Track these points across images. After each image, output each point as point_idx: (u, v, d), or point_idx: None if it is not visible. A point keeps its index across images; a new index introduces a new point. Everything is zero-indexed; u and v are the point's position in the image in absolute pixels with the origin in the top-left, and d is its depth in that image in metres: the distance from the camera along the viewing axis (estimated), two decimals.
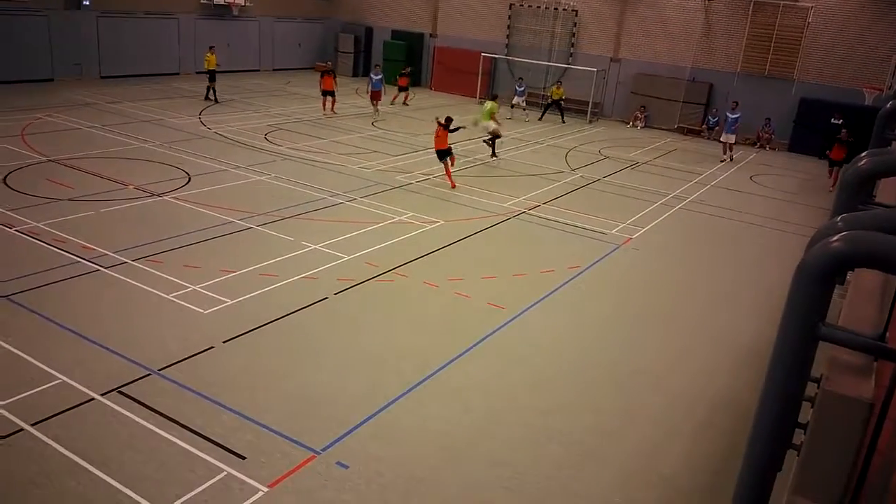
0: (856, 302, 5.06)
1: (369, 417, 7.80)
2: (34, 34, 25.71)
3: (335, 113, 25.13)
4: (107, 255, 11.39)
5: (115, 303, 9.91)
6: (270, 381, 8.34)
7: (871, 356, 3.92)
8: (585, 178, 20.00)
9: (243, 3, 32.21)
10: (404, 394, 8.34)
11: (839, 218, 3.91)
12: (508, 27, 32.76)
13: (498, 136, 20.69)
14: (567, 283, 12.30)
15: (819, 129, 25.69)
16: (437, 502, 6.65)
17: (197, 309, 9.89)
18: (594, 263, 13.38)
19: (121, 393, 7.74)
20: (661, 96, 29.68)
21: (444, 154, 17.49)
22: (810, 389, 3.97)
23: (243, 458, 6.89)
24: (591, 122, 30.04)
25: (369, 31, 36.54)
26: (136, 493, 6.31)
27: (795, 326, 3.48)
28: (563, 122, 28.85)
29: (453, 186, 17.40)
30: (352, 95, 29.93)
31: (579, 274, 12.77)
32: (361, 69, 35.80)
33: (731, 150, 24.41)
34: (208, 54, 25.85)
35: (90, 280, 10.54)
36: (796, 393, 3.68)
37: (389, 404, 8.10)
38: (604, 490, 7.09)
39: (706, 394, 9.16)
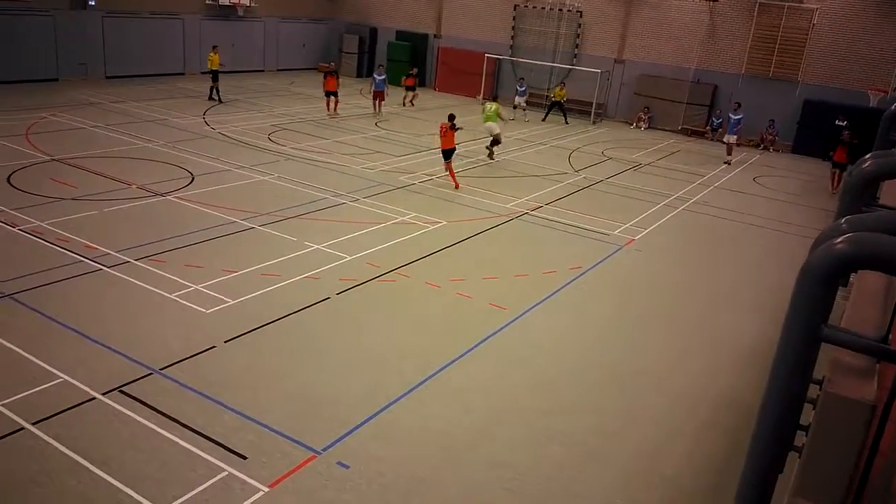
0: (859, 304, 5.05)
1: (370, 417, 7.79)
2: (39, 34, 25.78)
3: (338, 114, 25.13)
4: (109, 254, 11.41)
5: (117, 302, 9.92)
6: (272, 381, 8.34)
7: (873, 358, 3.91)
8: (588, 180, 19.98)
9: (248, 4, 32.26)
10: (405, 394, 8.33)
11: (843, 220, 3.90)
12: (513, 28, 32.75)
13: (498, 142, 20.46)
14: (569, 283, 12.28)
15: (823, 130, 25.61)
16: (437, 503, 6.64)
17: (199, 308, 9.89)
18: (596, 264, 13.36)
19: (122, 392, 7.75)
20: (664, 98, 29.64)
21: (450, 153, 17.48)
22: (812, 391, 3.96)
23: (244, 457, 6.89)
24: (594, 123, 30.01)
25: (373, 32, 36.56)
26: (136, 492, 6.31)
27: (799, 328, 3.47)
28: (567, 122, 28.83)
29: (457, 187, 17.39)
30: (356, 96, 29.95)
31: (581, 275, 12.75)
32: (366, 70, 35.81)
33: (731, 151, 24.31)
34: (211, 54, 25.89)
35: (93, 279, 10.56)
36: (798, 394, 3.66)
37: (390, 404, 8.09)
38: (605, 491, 7.07)
39: (708, 394, 9.13)
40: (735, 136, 24.08)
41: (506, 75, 33.12)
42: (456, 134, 17.55)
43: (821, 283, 3.42)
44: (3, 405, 7.33)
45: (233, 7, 31.85)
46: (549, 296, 11.67)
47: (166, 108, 23.72)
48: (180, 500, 6.25)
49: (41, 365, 8.12)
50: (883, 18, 25.52)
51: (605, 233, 15.25)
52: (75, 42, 26.98)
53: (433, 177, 18.08)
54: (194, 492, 6.37)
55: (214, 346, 8.93)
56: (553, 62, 31.50)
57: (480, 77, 32.53)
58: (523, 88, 29.32)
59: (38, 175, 15.26)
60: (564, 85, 29.60)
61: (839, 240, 3.38)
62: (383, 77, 25.93)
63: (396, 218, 14.71)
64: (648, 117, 29.88)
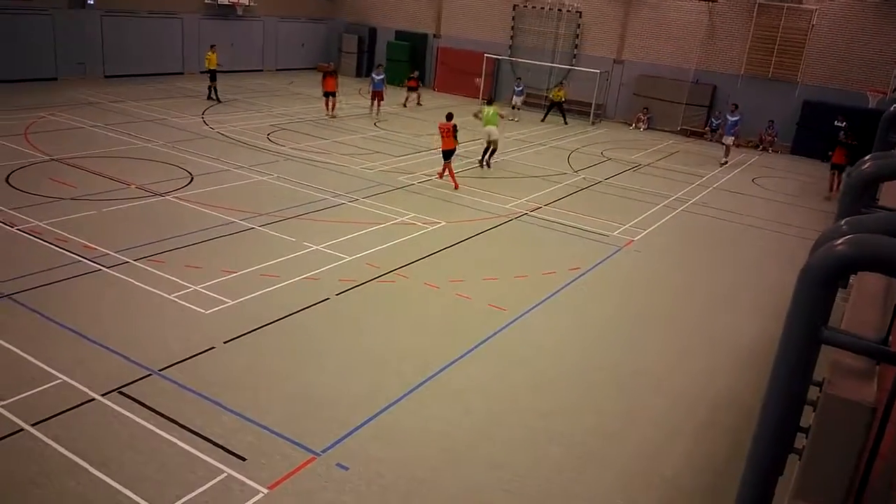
0: (859, 305, 5.04)
1: (370, 419, 7.78)
2: (38, 33, 25.76)
3: (335, 115, 25.05)
4: (108, 254, 11.40)
5: (116, 303, 9.91)
6: (271, 382, 8.33)
7: (873, 360, 3.91)
8: (588, 180, 19.98)
9: (247, 3, 32.24)
10: (405, 395, 8.33)
11: (843, 221, 3.90)
12: (512, 28, 32.75)
13: (495, 149, 19.70)
14: (568, 284, 12.28)
15: (822, 131, 25.61)
16: None
17: (198, 309, 9.88)
18: (596, 265, 13.36)
19: (121, 393, 7.74)
20: (664, 98, 29.64)
21: (450, 154, 17.48)
22: (812, 393, 3.96)
23: (244, 459, 6.88)
24: (593, 123, 30.01)
25: (373, 32, 36.56)
26: (136, 493, 6.30)
27: (799, 329, 3.47)
28: (566, 123, 28.83)
29: (456, 187, 17.39)
30: (355, 96, 29.94)
31: (581, 276, 12.75)
32: (365, 69, 35.80)
33: (728, 153, 24.30)
34: (209, 53, 25.88)
35: (91, 280, 10.55)
36: (799, 396, 3.66)
37: (390, 405, 8.08)
38: (605, 492, 7.07)
39: (707, 394, 9.13)
40: (732, 138, 24.07)
41: (505, 75, 33.12)
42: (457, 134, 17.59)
43: (821, 284, 3.42)
44: (2, 406, 7.32)
45: (232, 6, 31.83)
46: (549, 297, 11.67)
47: (165, 108, 23.70)
48: (180, 502, 6.25)
49: (40, 365, 8.11)
50: (882, 20, 25.54)
51: (604, 234, 15.25)
52: (74, 41, 26.96)
53: (432, 177, 18.07)
54: (194, 493, 6.36)
55: (214, 347, 8.93)
56: (552, 62, 31.50)
57: (480, 77, 32.53)
58: (520, 88, 29.35)
59: (37, 175, 15.24)
60: (563, 85, 29.62)
61: (839, 241, 3.38)
62: (382, 77, 25.87)
63: (396, 218, 14.70)
64: (647, 118, 29.89)
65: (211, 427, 7.30)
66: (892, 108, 8.80)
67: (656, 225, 16.32)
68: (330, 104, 25.03)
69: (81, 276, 10.61)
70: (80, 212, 13.25)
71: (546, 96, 30.78)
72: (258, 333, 9.42)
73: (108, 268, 10.93)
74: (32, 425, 7.06)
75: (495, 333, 10.15)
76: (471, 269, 12.54)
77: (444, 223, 14.76)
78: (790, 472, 3.88)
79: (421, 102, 29.21)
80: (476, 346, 9.70)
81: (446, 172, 17.64)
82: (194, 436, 7.13)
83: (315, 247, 12.64)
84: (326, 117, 24.82)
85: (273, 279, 11.08)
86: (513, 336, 10.20)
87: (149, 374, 8.17)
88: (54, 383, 7.80)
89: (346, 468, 6.92)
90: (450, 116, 17.66)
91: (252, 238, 12.86)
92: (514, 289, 11.85)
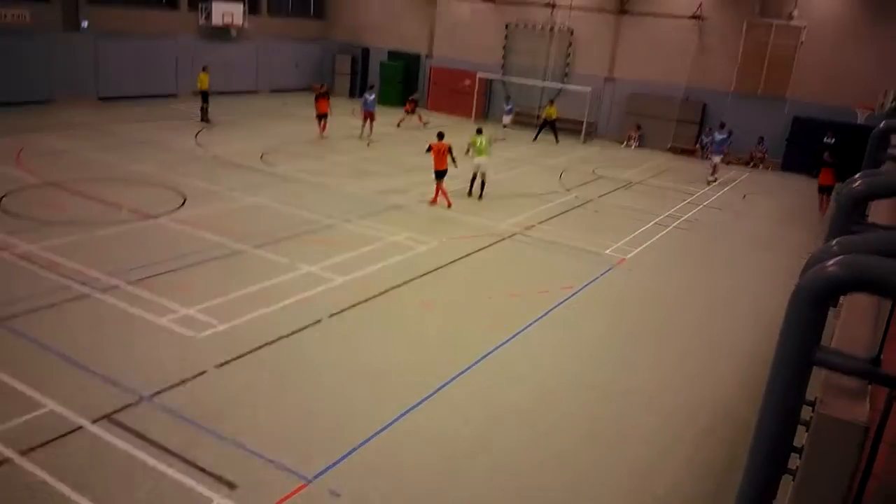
0: (849, 322, 5.03)
1: (363, 442, 7.71)
2: (32, 55, 25.77)
3: (326, 136, 25.05)
4: (99, 278, 11.33)
5: (106, 327, 9.83)
6: (263, 407, 8.26)
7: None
8: (580, 198, 20.04)
9: (241, 25, 32.40)
10: (399, 417, 8.26)
11: (834, 241, 3.90)
12: (504, 47, 32.98)
13: (484, 182, 18.81)
14: (562, 303, 12.26)
15: (812, 148, 25.76)
16: None
17: (190, 333, 9.81)
18: (589, 283, 13.36)
19: (111, 420, 7.65)
20: (655, 115, 29.83)
21: (443, 174, 17.49)
22: (805, 413, 3.94)
23: (234, 486, 6.80)
24: (585, 141, 30.16)
25: (366, 52, 36.77)
26: None
27: (791, 351, 3.46)
28: (558, 142, 28.95)
29: (449, 205, 17.41)
30: (348, 116, 30.03)
31: (574, 294, 12.73)
32: (358, 90, 35.97)
33: (716, 170, 24.19)
34: (201, 74, 25.95)
35: (81, 304, 10.47)
36: (792, 417, 3.64)
37: (384, 428, 8.01)
38: None
39: (700, 414, 9.09)
40: (720, 156, 23.99)
41: (497, 96, 33.29)
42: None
43: (812, 305, 3.41)
44: None
45: (225, 28, 31.99)
46: (542, 315, 11.64)
47: (159, 130, 23.72)
48: None
49: (27, 393, 8.01)
50: (869, 37, 25.82)
51: (597, 252, 15.26)
52: (68, 64, 26.98)
53: (425, 197, 18.07)
54: None
55: (205, 372, 8.85)
56: (544, 81, 31.71)
57: (473, 96, 32.72)
58: (510, 107, 29.52)
59: (29, 199, 15.19)
60: (553, 102, 29.76)
61: (830, 262, 3.38)
62: (374, 97, 25.97)
63: (389, 238, 14.69)
64: (639, 135, 30.06)
65: (202, 454, 7.22)
66: (880, 126, 8.88)
67: (648, 242, 16.35)
68: (322, 125, 25.07)
69: (72, 300, 10.53)
70: (72, 235, 13.19)
71: (538, 115, 30.95)
72: (250, 357, 9.35)
73: (99, 292, 10.86)
74: (21, 454, 6.96)
75: (489, 353, 10.10)
76: (464, 288, 12.52)
77: (437, 243, 14.75)
78: (784, 493, 3.85)
79: (424, 122, 29.12)
80: (470, 367, 9.64)
81: (439, 196, 17.64)
82: (185, 463, 7.04)
83: (308, 268, 12.61)
84: (319, 138, 24.85)
85: (266, 301, 11.03)
86: (507, 356, 10.15)
87: (139, 400, 8.09)
88: (42, 411, 7.71)
89: (338, 495, 6.84)
90: (441, 136, 17.71)
91: (244, 260, 12.81)
92: (507, 308, 11.82)
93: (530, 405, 8.90)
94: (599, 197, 20.43)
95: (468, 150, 19.00)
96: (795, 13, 26.75)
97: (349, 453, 7.48)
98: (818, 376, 3.91)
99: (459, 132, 23.91)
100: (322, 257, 13.16)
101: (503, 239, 15.56)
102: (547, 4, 31.47)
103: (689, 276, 14.51)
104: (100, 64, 28.00)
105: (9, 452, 6.97)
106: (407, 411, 8.40)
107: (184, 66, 30.59)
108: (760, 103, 27.99)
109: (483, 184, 18.74)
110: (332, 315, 10.83)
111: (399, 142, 25.86)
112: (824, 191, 20.55)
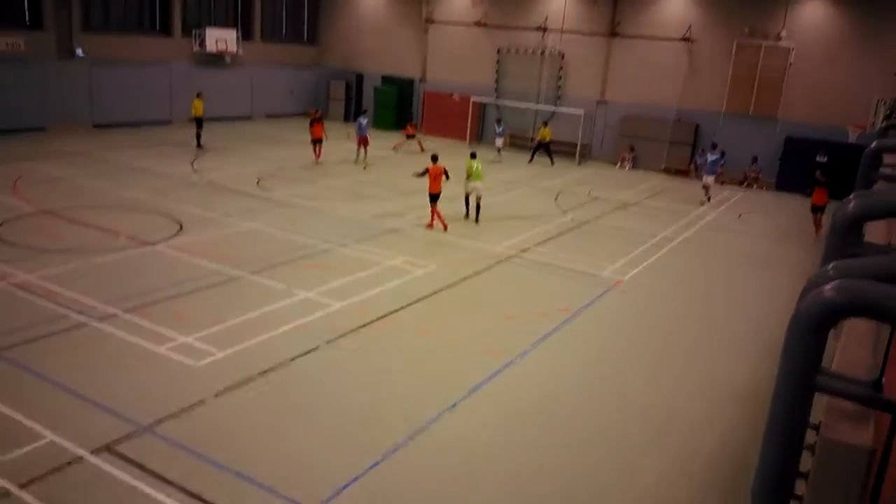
0: (849, 345, 5.06)
1: (363, 473, 7.65)
2: (27, 83, 25.89)
3: (321, 161, 25.12)
4: (97, 307, 11.29)
5: (103, 356, 9.78)
6: (262, 436, 8.21)
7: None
8: (575, 220, 20.11)
9: (235, 52, 32.63)
10: (399, 446, 8.21)
11: (830, 266, 3.94)
12: (497, 71, 33.27)
13: (479, 206, 18.74)
14: (559, 326, 12.26)
15: (805, 167, 25.95)
16: None
17: (188, 361, 9.77)
18: (586, 305, 13.37)
19: (110, 451, 7.59)
20: (647, 137, 30.05)
21: (437, 197, 17.56)
22: (810, 437, 3.94)
23: None
24: (579, 163, 30.34)
25: (360, 78, 37.04)
26: None
27: (792, 377, 3.48)
28: (553, 164, 29.11)
29: (445, 228, 17.47)
30: (343, 140, 30.14)
31: (571, 317, 12.74)
32: (353, 114, 36.17)
33: (709, 191, 24.12)
34: (195, 101, 26.07)
35: (79, 333, 10.43)
36: (796, 443, 3.65)
37: (383, 459, 7.95)
38: None
39: (705, 441, 9.06)
40: (713, 177, 23.96)
41: (491, 119, 33.49)
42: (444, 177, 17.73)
43: (811, 331, 3.44)
44: None
45: (219, 55, 32.20)
46: (540, 340, 11.63)
47: (154, 157, 23.77)
48: None
49: (26, 424, 7.95)
50: (858, 56, 26.16)
51: (594, 273, 15.29)
52: (63, 91, 27.11)
53: (421, 220, 18.11)
54: None
55: (203, 401, 8.80)
56: (537, 104, 31.95)
57: (466, 120, 32.94)
58: (501, 129, 29.73)
59: (25, 227, 15.18)
60: (547, 124, 29.93)
61: (827, 287, 3.41)
62: (366, 122, 26.14)
63: (386, 262, 14.70)
64: (632, 157, 30.26)
65: (201, 483, 7.16)
66: (872, 145, 8.98)
67: (645, 264, 16.40)
68: (317, 151, 25.17)
69: (70, 329, 10.49)
70: (68, 264, 13.17)
71: (532, 137, 31.15)
72: (249, 385, 9.31)
73: (96, 320, 10.83)
74: (20, 487, 6.89)
75: (488, 379, 10.06)
76: (462, 311, 12.52)
77: (434, 266, 14.76)
78: None
79: (423, 147, 29.21)
80: (470, 393, 9.60)
81: (435, 220, 17.69)
82: (184, 493, 6.98)
83: (305, 294, 12.60)
84: (315, 163, 24.93)
85: (263, 328, 11.00)
86: (504, 381, 10.12)
87: (138, 430, 8.03)
88: (42, 442, 7.65)
89: None
90: (435, 158, 17.83)
91: (242, 287, 12.80)
92: (505, 331, 11.82)
93: (531, 432, 8.87)
94: (595, 218, 20.51)
95: (469, 177, 18.70)
96: (783, 34, 27.12)
97: (351, 483, 7.43)
98: (822, 399, 3.92)
99: (453, 155, 24.01)
100: (319, 282, 13.15)
101: (500, 262, 15.59)
102: (538, 28, 31.82)
103: (688, 297, 14.54)
104: (94, 91, 28.14)
105: (8, 485, 6.90)
106: (408, 439, 8.35)
107: (178, 93, 30.73)
108: (752, 123, 28.25)
109: (479, 207, 18.78)
110: (329, 341, 10.81)
111: (394, 166, 25.96)
112: (817, 210, 20.38)
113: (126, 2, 30.07)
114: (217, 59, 32.40)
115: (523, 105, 32.01)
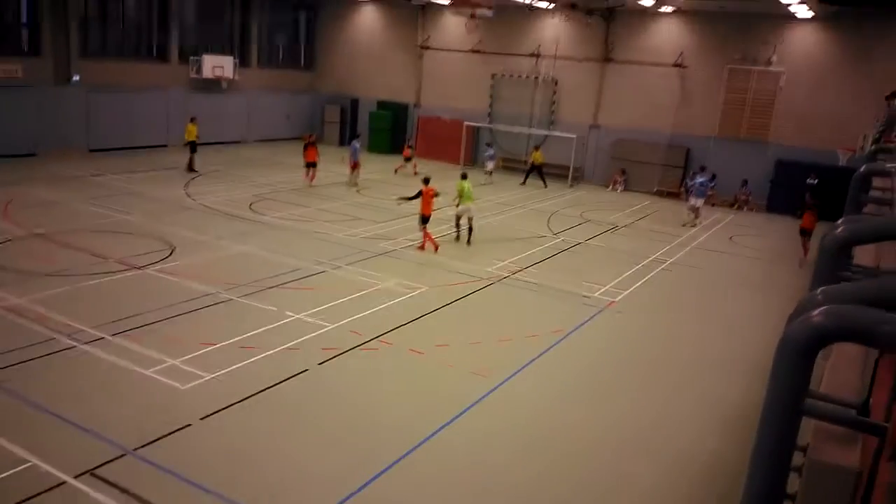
0: (838, 366, 5.04)
1: (352, 494, 7.56)
2: (22, 108, 25.91)
3: (314, 184, 25.17)
4: (85, 330, 11.20)
5: (91, 380, 9.69)
6: (250, 459, 8.11)
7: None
8: (568, 242, 20.14)
9: (232, 77, 32.81)
10: (388, 468, 8.13)
11: (819, 291, 3.93)
12: (490, 96, 33.53)
13: (471, 227, 18.87)
14: (552, 347, 12.21)
15: (796, 190, 26.10)
16: None
17: (175, 384, 9.68)
18: (579, 326, 13.34)
19: (94, 475, 7.48)
20: (639, 160, 30.25)
21: (428, 219, 17.60)
22: (797, 458, 3.91)
23: None
24: (571, 186, 30.48)
25: (355, 102, 37.27)
26: None
27: (780, 401, 3.47)
28: (546, 186, 29.24)
29: (436, 249, 17.48)
30: (337, 164, 30.23)
31: (564, 338, 12.70)
32: (347, 138, 36.33)
33: (697, 214, 24.02)
34: (190, 125, 26.15)
35: (68, 357, 10.33)
36: (783, 465, 3.62)
37: (372, 480, 7.87)
38: None
39: (695, 461, 9.00)
40: (702, 199, 23.86)
41: (483, 143, 33.70)
42: (436, 199, 17.81)
43: (800, 355, 3.43)
44: None
45: (216, 80, 32.37)
46: (533, 360, 11.58)
47: (148, 181, 23.78)
48: None
49: (9, 448, 7.83)
50: (847, 80, 26.47)
51: (586, 295, 15.28)
52: (59, 116, 27.14)
53: (414, 242, 18.10)
54: None
55: (190, 424, 8.70)
56: (530, 128, 32.17)
57: (460, 144, 33.12)
58: (491, 153, 29.91)
59: (16, 251, 15.12)
60: (539, 148, 30.07)
61: (815, 313, 3.40)
62: (359, 146, 26.32)
63: (378, 284, 14.66)
64: (624, 180, 30.43)
65: None
66: (861, 169, 9.04)
67: (637, 285, 16.40)
68: (310, 174, 25.20)
69: (57, 353, 10.39)
70: (59, 287, 13.09)
71: (525, 160, 31.32)
72: (237, 408, 9.22)
73: (84, 344, 10.74)
74: None
75: (480, 400, 10.00)
76: (454, 333, 12.47)
77: (426, 288, 14.73)
78: None
79: (416, 172, 29.26)
80: (460, 415, 9.53)
81: (427, 242, 17.72)
82: None
83: (296, 316, 12.54)
84: (308, 186, 24.95)
85: (253, 351, 10.93)
86: (496, 402, 10.05)
87: (123, 455, 7.93)
88: (25, 466, 7.54)
89: None
90: (427, 181, 17.94)
91: (232, 309, 12.73)
92: (498, 353, 11.77)
93: (520, 454, 8.79)
94: (587, 240, 20.55)
95: (457, 199, 18.81)
96: (774, 59, 27.43)
97: None
98: (810, 420, 3.90)
99: (446, 178, 24.10)
100: (311, 304, 13.10)
101: (493, 283, 15.57)
102: (531, 54, 32.13)
103: (680, 317, 14.53)
104: (90, 116, 28.19)
105: None
106: (396, 462, 8.26)
107: (174, 118, 30.77)
108: (743, 147, 28.47)
109: (471, 229, 18.80)
110: (320, 363, 10.74)
111: (387, 188, 26.01)
112: (805, 233, 20.10)
113: (124, 29, 30.30)
114: (214, 85, 32.56)
115: (516, 129, 32.22)
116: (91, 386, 9.50)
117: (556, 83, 31.91)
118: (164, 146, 30.70)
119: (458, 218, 18.83)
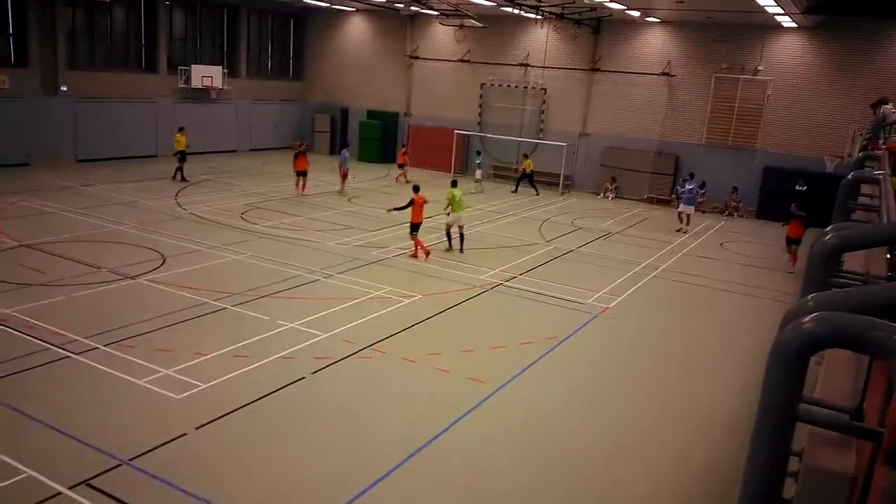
0: (831, 371, 5.10)
1: (349, 502, 7.56)
2: (11, 119, 25.81)
3: (305, 194, 25.16)
4: (77, 340, 11.16)
5: (85, 390, 9.65)
6: (245, 469, 8.10)
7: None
8: (559, 249, 20.23)
9: (221, 87, 32.78)
10: (384, 476, 8.13)
11: (810, 298, 3.99)
12: (480, 105, 33.67)
13: (463, 235, 18.85)
14: (546, 354, 12.26)
15: (785, 196, 26.26)
16: None
17: (169, 394, 9.65)
18: (572, 333, 13.39)
19: (89, 486, 7.45)
20: (629, 168, 30.42)
21: (418, 227, 17.66)
22: (793, 464, 3.96)
23: None
24: (562, 193, 30.62)
25: (345, 112, 37.31)
26: None
27: (773, 408, 3.52)
28: (537, 194, 29.37)
29: (427, 256, 17.53)
30: (328, 173, 30.25)
31: (558, 345, 12.75)
32: (338, 148, 36.34)
33: (687, 221, 24.10)
34: (178, 135, 26.10)
35: (60, 367, 10.29)
36: (778, 472, 3.67)
37: (369, 488, 7.87)
38: None
39: (688, 467, 9.05)
40: (692, 206, 24.01)
41: (475, 150, 33.81)
42: (426, 205, 17.92)
43: (792, 362, 3.49)
44: None
45: (205, 90, 32.34)
46: (527, 367, 11.62)
47: (138, 191, 23.71)
48: None
49: (3, 459, 7.79)
50: (833, 88, 26.76)
51: (579, 301, 15.35)
52: (47, 127, 27.05)
53: (406, 250, 18.13)
54: None
55: (185, 434, 8.68)
56: (520, 137, 32.31)
57: (450, 152, 33.21)
58: (479, 161, 30.04)
59: (5, 261, 15.04)
60: (528, 156, 30.18)
61: (807, 319, 3.46)
62: (348, 155, 26.40)
63: (371, 293, 14.68)
64: (615, 187, 30.60)
65: None
66: (849, 176, 9.15)
67: (630, 291, 16.49)
68: (300, 184, 25.19)
69: (49, 363, 10.35)
70: (50, 297, 13.04)
71: (516, 168, 31.46)
72: (231, 417, 9.20)
73: (76, 354, 10.69)
74: None
75: (474, 408, 10.03)
76: (448, 341, 12.49)
77: (419, 296, 14.76)
78: None
79: (407, 180, 29.26)
80: (454, 422, 9.55)
81: (419, 250, 17.76)
82: None
83: (289, 325, 12.53)
84: (299, 196, 24.93)
85: (246, 360, 10.92)
86: (490, 410, 10.08)
87: (118, 465, 7.90)
88: (19, 477, 7.50)
89: None
90: (417, 189, 18.03)
91: (225, 318, 12.71)
92: (491, 360, 11.80)
93: (516, 461, 8.81)
94: (580, 247, 20.65)
95: (448, 207, 18.69)
96: (761, 67, 27.72)
97: None
98: (805, 425, 3.96)
99: (437, 186, 24.16)
100: (304, 313, 13.09)
101: (485, 291, 15.62)
102: (520, 64, 32.31)
103: (673, 323, 14.61)
104: (78, 127, 28.10)
105: None
106: (393, 469, 8.27)
107: (163, 128, 30.68)
108: (732, 154, 28.70)
109: (462, 237, 18.85)
110: (314, 372, 10.73)
111: (378, 196, 26.05)
112: (792, 242, 19.99)
113: (112, 40, 30.23)
114: (203, 95, 32.53)
115: (507, 138, 32.35)
116: (85, 396, 9.46)
117: (545, 92, 32.09)
118: (154, 156, 30.63)
119: (449, 227, 18.82)
